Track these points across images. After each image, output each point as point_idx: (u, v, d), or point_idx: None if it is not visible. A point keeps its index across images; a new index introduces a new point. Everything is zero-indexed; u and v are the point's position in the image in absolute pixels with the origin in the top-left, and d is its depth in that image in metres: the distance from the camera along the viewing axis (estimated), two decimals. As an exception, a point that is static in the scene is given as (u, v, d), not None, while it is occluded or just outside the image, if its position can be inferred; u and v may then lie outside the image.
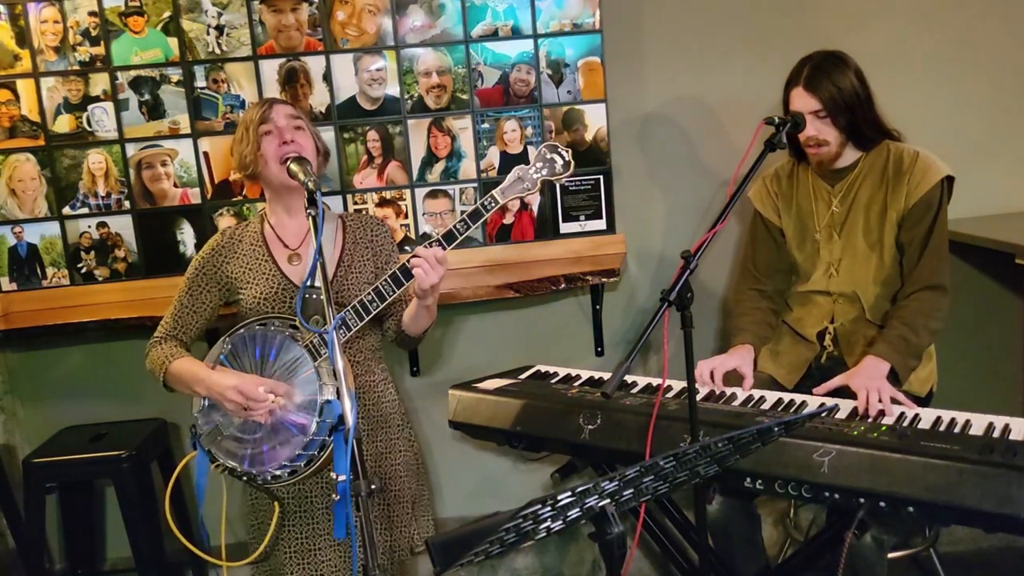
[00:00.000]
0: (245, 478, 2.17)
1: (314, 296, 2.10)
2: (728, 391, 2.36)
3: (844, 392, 2.25)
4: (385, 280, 2.12)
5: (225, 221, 3.01)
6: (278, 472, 2.11)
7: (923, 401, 2.39)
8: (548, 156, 2.17)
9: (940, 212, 2.35)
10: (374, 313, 2.14)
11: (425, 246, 2.08)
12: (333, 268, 2.26)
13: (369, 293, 2.12)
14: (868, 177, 2.42)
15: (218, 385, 2.10)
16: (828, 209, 2.46)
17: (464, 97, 2.97)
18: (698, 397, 2.31)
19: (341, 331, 2.12)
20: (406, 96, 2.97)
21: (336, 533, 1.90)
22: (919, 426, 2.04)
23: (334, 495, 1.76)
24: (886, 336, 2.32)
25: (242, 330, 2.17)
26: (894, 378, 2.26)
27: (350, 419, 1.72)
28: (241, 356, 2.15)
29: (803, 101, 2.33)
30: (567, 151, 2.18)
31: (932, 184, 2.33)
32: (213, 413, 2.16)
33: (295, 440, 2.07)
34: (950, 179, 2.37)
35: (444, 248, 2.09)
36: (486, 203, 2.14)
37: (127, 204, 3.01)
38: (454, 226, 2.11)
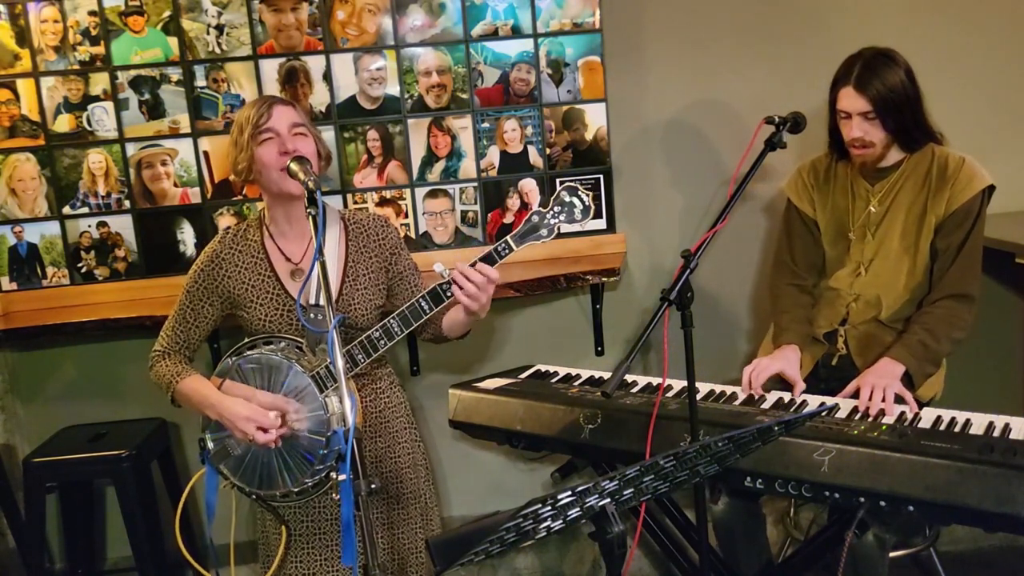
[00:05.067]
0: (254, 496, 2.17)
1: (319, 316, 2.07)
2: (729, 390, 2.35)
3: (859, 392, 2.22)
4: (394, 319, 2.08)
5: (225, 221, 3.01)
6: (286, 492, 2.12)
7: (922, 406, 2.37)
8: (567, 200, 2.06)
9: (978, 221, 2.30)
10: (383, 350, 2.11)
11: (439, 286, 2.04)
12: (338, 284, 2.19)
13: (378, 330, 2.08)
14: (910, 179, 2.36)
15: (229, 412, 2.07)
16: (865, 208, 2.41)
17: (464, 96, 2.97)
18: (698, 396, 2.31)
19: (347, 367, 2.06)
20: (406, 95, 2.97)
21: (345, 560, 1.87)
22: (919, 425, 2.04)
23: (335, 494, 1.76)
24: (905, 340, 2.30)
25: (247, 351, 2.14)
26: (908, 382, 2.23)
27: (350, 418, 1.72)
28: (248, 378, 2.12)
29: (852, 101, 2.26)
30: (587, 194, 2.07)
31: (975, 192, 2.29)
32: (221, 431, 2.14)
33: (303, 465, 2.08)
34: (991, 188, 2.32)
35: (500, 256, 2.03)
36: (500, 249, 2.05)
37: (127, 204, 3.01)
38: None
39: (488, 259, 2.05)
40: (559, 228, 2.07)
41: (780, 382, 2.37)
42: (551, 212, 2.07)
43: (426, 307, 2.08)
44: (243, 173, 2.16)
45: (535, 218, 2.07)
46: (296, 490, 2.11)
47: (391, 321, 2.09)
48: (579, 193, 2.07)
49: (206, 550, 2.34)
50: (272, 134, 2.11)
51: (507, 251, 2.05)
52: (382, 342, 2.09)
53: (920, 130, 2.33)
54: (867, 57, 2.27)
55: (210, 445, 2.16)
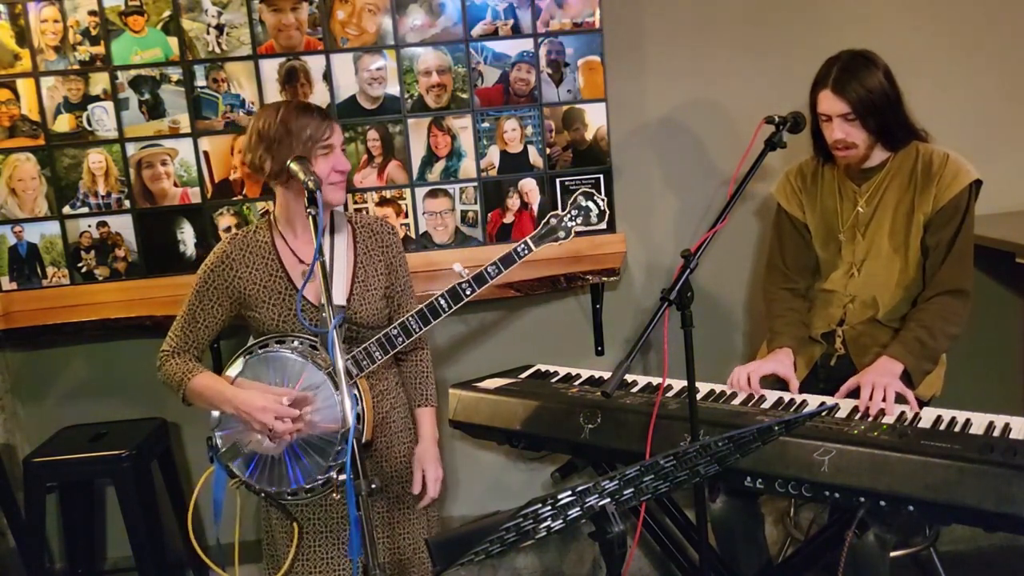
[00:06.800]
0: (263, 495, 2.17)
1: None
2: (729, 390, 2.35)
3: (859, 391, 2.21)
4: (413, 316, 2.12)
5: (225, 221, 3.01)
6: (296, 489, 2.12)
7: (922, 406, 2.37)
8: (583, 204, 2.21)
9: (967, 216, 2.30)
10: (400, 346, 2.14)
11: (458, 285, 2.10)
12: (348, 285, 2.20)
13: (396, 327, 2.12)
14: (896, 178, 2.37)
15: (246, 404, 2.07)
16: (853, 209, 2.42)
17: (464, 96, 2.97)
18: (698, 396, 2.31)
19: (365, 363, 2.12)
20: (406, 95, 2.97)
21: (351, 552, 1.88)
22: (919, 425, 2.04)
23: (336, 495, 1.76)
24: (902, 338, 2.30)
25: (260, 351, 2.14)
26: (907, 380, 2.23)
27: (350, 418, 1.73)
28: (261, 377, 2.12)
29: (831, 104, 2.27)
30: (603, 199, 2.22)
31: (961, 187, 2.29)
32: (231, 429, 2.14)
33: (315, 462, 2.08)
34: (978, 183, 2.32)
35: (520, 256, 2.14)
36: (519, 249, 2.14)
37: (127, 203, 3.01)
38: (485, 269, 2.11)
39: (508, 259, 2.13)
40: (575, 231, 2.20)
41: (777, 382, 2.37)
42: (568, 215, 2.21)
43: (445, 305, 2.12)
44: (283, 173, 2.12)
45: (553, 221, 2.20)
46: (307, 487, 2.11)
47: (409, 319, 2.13)
48: (595, 198, 2.23)
49: (207, 550, 2.33)
50: (331, 149, 2.16)
51: (527, 251, 2.15)
52: (400, 339, 2.13)
53: (902, 129, 2.34)
54: (844, 59, 2.29)
55: (219, 443, 2.17)
